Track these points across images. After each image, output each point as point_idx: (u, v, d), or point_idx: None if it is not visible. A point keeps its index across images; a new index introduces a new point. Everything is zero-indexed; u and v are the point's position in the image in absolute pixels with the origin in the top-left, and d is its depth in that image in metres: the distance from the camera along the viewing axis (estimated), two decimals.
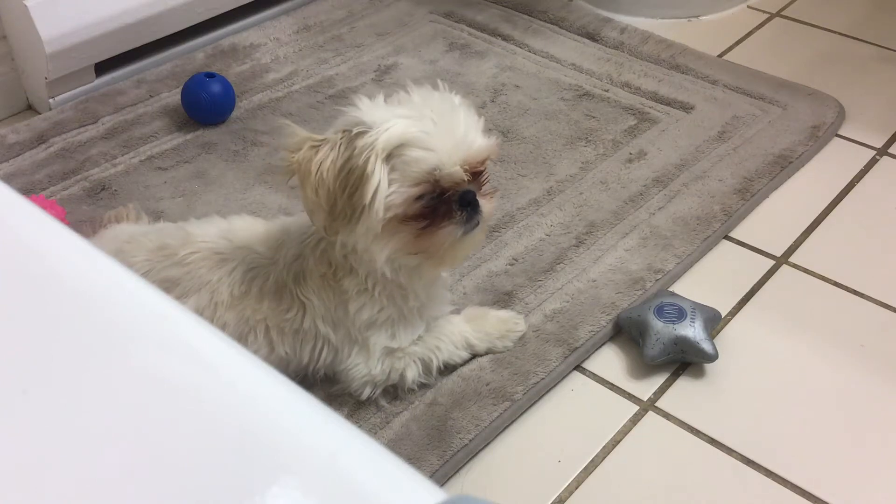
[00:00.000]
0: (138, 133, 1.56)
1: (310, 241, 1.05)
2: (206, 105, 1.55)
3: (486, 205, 1.00)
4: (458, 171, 0.95)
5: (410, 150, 0.93)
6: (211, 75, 1.56)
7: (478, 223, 0.99)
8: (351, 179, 0.94)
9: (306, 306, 1.05)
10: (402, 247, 0.98)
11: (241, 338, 1.05)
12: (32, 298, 0.50)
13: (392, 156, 0.93)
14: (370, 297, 1.04)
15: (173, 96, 1.63)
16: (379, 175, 0.93)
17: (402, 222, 0.96)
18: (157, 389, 0.45)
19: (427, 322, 1.10)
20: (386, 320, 1.06)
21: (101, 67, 1.68)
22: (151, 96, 1.65)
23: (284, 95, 1.65)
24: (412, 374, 1.09)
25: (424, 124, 0.94)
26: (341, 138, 0.95)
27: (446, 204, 0.97)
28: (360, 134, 0.94)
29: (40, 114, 1.64)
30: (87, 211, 1.39)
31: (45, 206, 1.33)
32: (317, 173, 0.94)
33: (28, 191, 1.43)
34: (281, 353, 1.07)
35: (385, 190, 0.93)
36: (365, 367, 1.08)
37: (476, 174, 0.99)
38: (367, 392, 1.09)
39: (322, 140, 0.96)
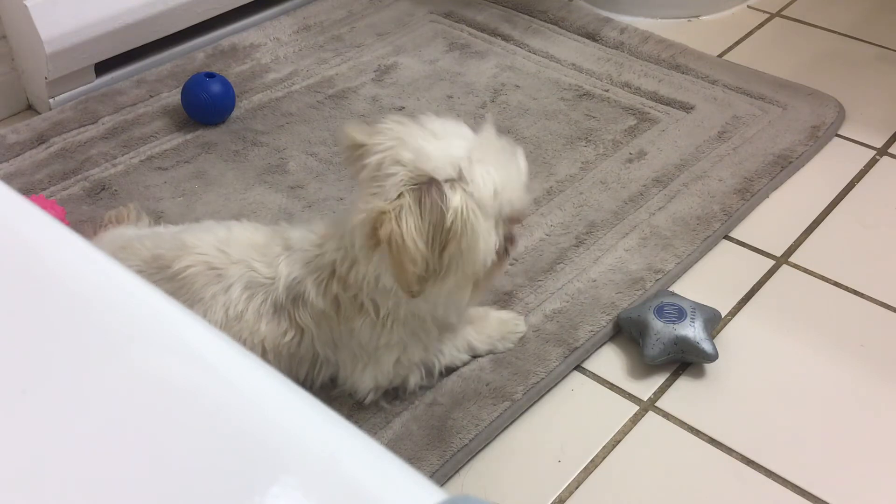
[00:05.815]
0: (138, 133, 1.56)
1: (316, 271, 1.02)
2: (206, 105, 1.55)
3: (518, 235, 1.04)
4: (527, 207, 0.98)
5: (501, 196, 0.94)
6: (211, 75, 1.56)
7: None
8: (439, 238, 0.91)
9: (304, 331, 1.03)
10: (475, 288, 0.99)
11: None
12: (32, 298, 0.50)
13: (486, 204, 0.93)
14: (384, 329, 1.03)
15: (173, 96, 1.63)
16: (484, 229, 0.93)
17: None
18: (157, 389, 0.45)
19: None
20: (398, 342, 1.05)
21: (101, 67, 1.68)
22: (151, 96, 1.65)
23: (284, 95, 1.65)
24: (415, 379, 1.09)
25: (508, 171, 0.95)
26: (413, 196, 0.91)
27: (506, 241, 0.99)
28: (443, 187, 0.91)
29: (40, 114, 1.63)
30: (87, 211, 1.39)
31: (45, 206, 1.33)
32: (414, 246, 0.90)
33: (28, 191, 1.43)
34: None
35: (493, 241, 0.95)
36: (373, 381, 1.07)
37: None
38: (370, 397, 1.09)
39: (396, 209, 0.90)
